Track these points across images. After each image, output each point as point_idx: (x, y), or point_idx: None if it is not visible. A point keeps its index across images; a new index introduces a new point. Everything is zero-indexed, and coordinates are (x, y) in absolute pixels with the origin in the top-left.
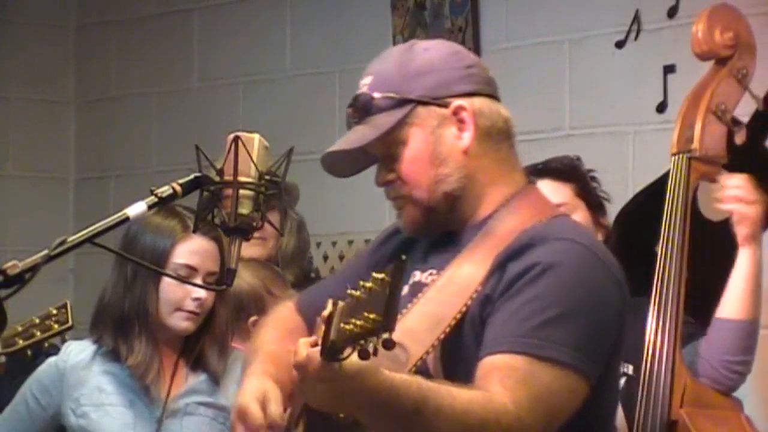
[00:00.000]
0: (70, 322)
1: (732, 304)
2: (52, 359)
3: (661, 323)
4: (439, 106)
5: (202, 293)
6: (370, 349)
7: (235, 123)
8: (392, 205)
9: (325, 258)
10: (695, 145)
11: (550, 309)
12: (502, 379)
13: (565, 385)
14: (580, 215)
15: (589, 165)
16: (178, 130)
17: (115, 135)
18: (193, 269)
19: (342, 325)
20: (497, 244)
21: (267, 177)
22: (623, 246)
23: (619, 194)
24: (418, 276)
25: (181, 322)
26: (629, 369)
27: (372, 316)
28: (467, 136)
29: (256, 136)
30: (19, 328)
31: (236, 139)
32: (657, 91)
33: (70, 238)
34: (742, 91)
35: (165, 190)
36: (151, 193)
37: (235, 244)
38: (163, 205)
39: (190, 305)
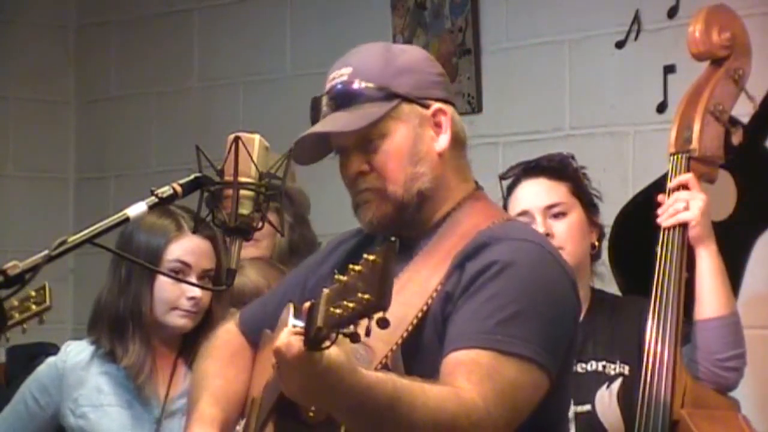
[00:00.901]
0: (47, 303)
1: (708, 303)
2: (51, 359)
3: (660, 324)
4: (421, 106)
5: (197, 292)
6: (362, 331)
7: (235, 123)
8: (356, 198)
9: None
10: (694, 145)
11: (511, 306)
12: (467, 374)
13: (529, 380)
14: (576, 214)
15: (589, 165)
16: (178, 130)
17: (115, 135)
18: (186, 265)
19: (331, 309)
20: (454, 244)
21: (267, 180)
22: (623, 246)
23: (619, 194)
24: None
25: (178, 320)
26: (625, 369)
27: (366, 296)
28: (444, 139)
29: (257, 137)
30: (15, 303)
31: (236, 139)
32: (657, 91)
33: (70, 238)
34: (739, 92)
35: (165, 191)
36: (151, 193)
37: (235, 245)
38: (163, 205)
39: (186, 304)
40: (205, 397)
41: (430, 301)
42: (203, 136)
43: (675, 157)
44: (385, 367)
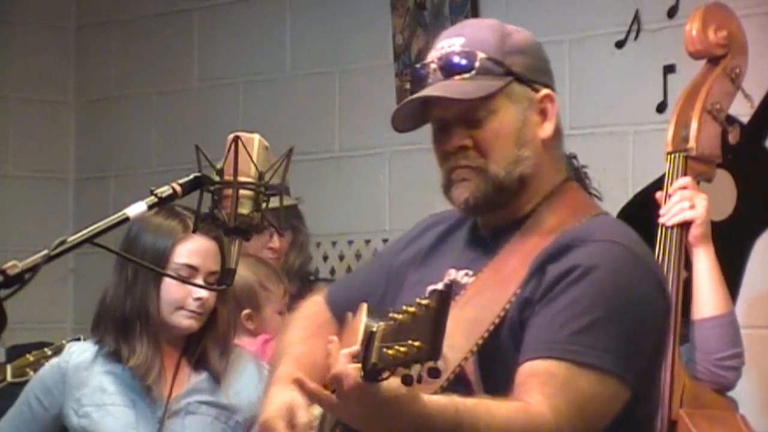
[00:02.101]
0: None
1: (706, 303)
2: (54, 360)
3: None
4: (532, 89)
5: (203, 293)
6: (414, 375)
7: (235, 123)
8: (451, 175)
9: (325, 258)
10: (692, 144)
11: (590, 313)
12: (540, 386)
13: (604, 391)
14: None
15: (589, 165)
16: (178, 130)
17: (115, 135)
18: (194, 269)
19: (385, 349)
20: (537, 243)
21: (267, 185)
22: None
23: (619, 194)
24: (453, 274)
25: (184, 320)
26: None
27: (417, 343)
28: (549, 127)
29: (256, 136)
30: (31, 359)
31: (236, 139)
32: (657, 91)
33: (70, 238)
34: (736, 91)
35: (165, 190)
36: (151, 193)
37: (234, 244)
38: (163, 205)
39: (192, 305)
40: (287, 361)
41: (508, 306)
42: (203, 136)
43: (672, 156)
44: (460, 375)
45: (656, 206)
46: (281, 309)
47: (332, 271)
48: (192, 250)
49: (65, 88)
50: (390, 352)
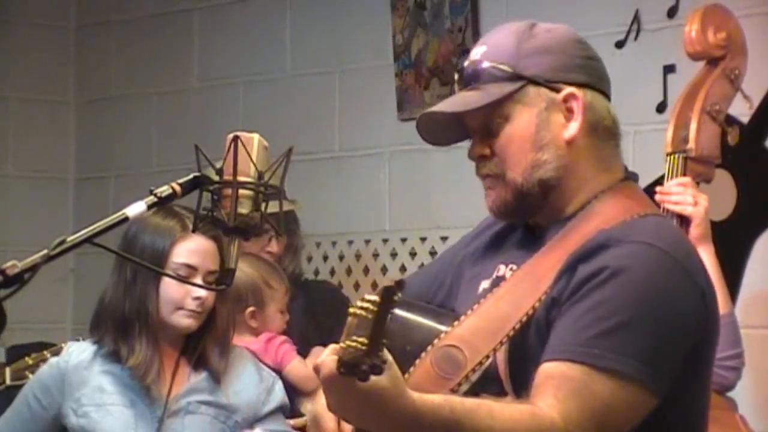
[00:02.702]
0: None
1: None
2: (53, 359)
3: None
4: (551, 89)
5: (202, 292)
6: (367, 370)
7: (235, 123)
8: (482, 183)
9: (325, 258)
10: (691, 144)
11: (615, 316)
12: (555, 389)
13: (623, 398)
14: None
15: None
16: (178, 130)
17: (115, 135)
18: (192, 268)
19: (345, 343)
20: (575, 243)
21: (266, 185)
22: None
23: None
24: (501, 270)
25: (183, 320)
26: None
27: (361, 339)
28: (573, 126)
29: (256, 136)
30: (30, 361)
31: (236, 139)
32: (657, 91)
33: (70, 238)
34: (735, 92)
35: (164, 190)
36: (151, 193)
37: (234, 244)
38: (162, 205)
39: (191, 305)
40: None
41: (537, 304)
42: (203, 136)
43: (672, 156)
44: (491, 370)
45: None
46: (282, 308)
47: (332, 272)
48: (190, 249)
49: (65, 88)
50: (348, 347)
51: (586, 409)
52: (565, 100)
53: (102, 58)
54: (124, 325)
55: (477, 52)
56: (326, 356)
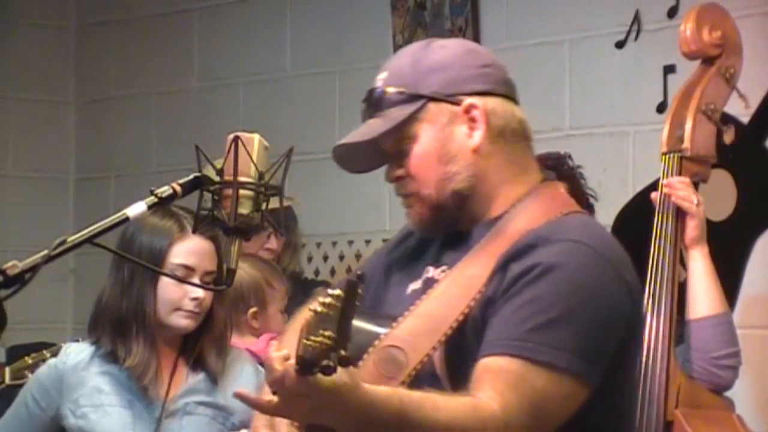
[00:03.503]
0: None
1: (702, 302)
2: (51, 360)
3: (654, 323)
4: (451, 103)
5: (200, 293)
6: (333, 365)
7: (235, 123)
8: (402, 203)
9: (325, 258)
10: (686, 144)
11: (548, 311)
12: (493, 382)
13: (558, 390)
14: None
15: (589, 165)
16: (178, 130)
17: (115, 135)
18: (190, 269)
19: (305, 341)
20: (504, 244)
21: (267, 185)
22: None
23: (619, 194)
24: (431, 272)
25: (181, 320)
26: None
27: (327, 333)
28: (478, 135)
29: (256, 136)
30: (29, 361)
31: (236, 139)
32: (657, 91)
33: (70, 238)
34: (730, 91)
35: (165, 190)
36: (151, 193)
37: (234, 244)
38: (163, 205)
39: (189, 305)
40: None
41: (472, 304)
42: (203, 136)
43: (667, 156)
44: (428, 369)
45: (652, 207)
46: (283, 308)
47: (332, 271)
48: (188, 250)
49: (65, 88)
50: (310, 343)
51: (523, 400)
52: (467, 111)
53: (102, 58)
54: (121, 326)
55: (379, 79)
56: (281, 366)
